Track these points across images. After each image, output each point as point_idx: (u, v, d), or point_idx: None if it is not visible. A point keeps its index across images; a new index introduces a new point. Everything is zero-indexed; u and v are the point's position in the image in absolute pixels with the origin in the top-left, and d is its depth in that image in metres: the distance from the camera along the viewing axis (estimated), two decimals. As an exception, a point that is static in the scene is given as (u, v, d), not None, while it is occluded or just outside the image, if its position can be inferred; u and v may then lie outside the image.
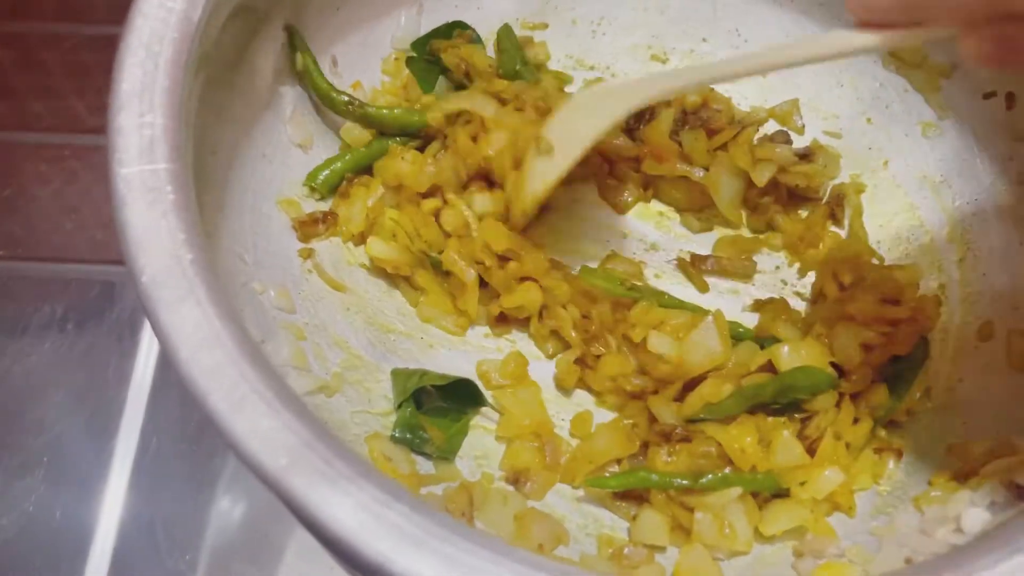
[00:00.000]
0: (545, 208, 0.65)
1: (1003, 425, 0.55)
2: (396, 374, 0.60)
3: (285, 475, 0.36)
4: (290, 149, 0.63)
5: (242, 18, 0.55)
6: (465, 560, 0.35)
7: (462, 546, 0.35)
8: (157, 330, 0.39)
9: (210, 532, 0.65)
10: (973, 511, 0.50)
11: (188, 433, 0.67)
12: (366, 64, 0.67)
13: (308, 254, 0.62)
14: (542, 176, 0.60)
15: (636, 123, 0.68)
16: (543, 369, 0.63)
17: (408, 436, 0.57)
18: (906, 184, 0.67)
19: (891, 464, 0.58)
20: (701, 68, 0.63)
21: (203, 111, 0.51)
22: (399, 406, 0.58)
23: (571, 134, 0.58)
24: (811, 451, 0.56)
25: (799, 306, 0.65)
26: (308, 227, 0.61)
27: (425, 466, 0.57)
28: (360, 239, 0.63)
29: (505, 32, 0.70)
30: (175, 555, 0.63)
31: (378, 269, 0.64)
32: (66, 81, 0.89)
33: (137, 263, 0.40)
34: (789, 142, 0.69)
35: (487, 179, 0.63)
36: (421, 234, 0.62)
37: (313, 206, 0.64)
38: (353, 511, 0.36)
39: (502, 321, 0.64)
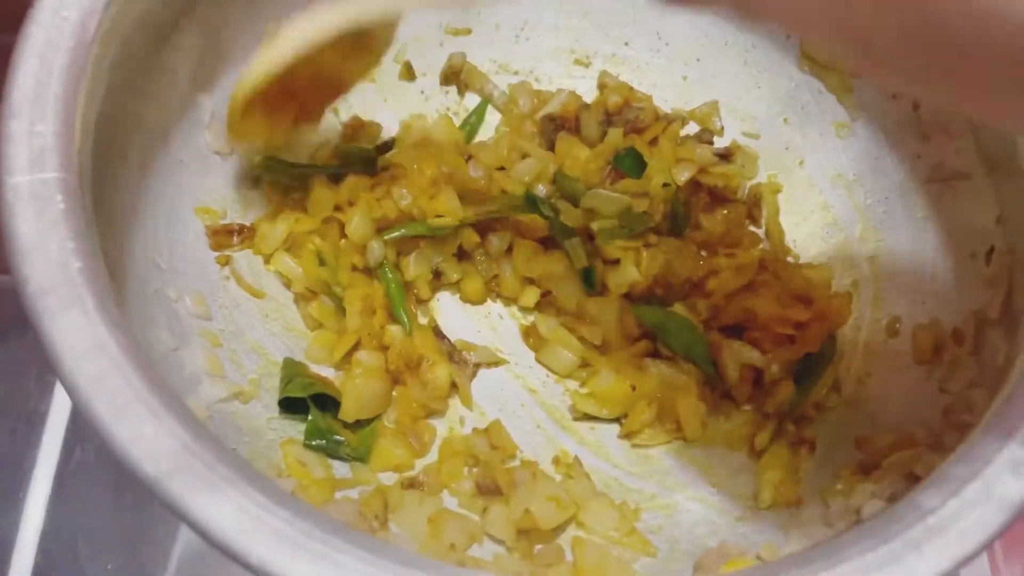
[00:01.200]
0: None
1: (908, 418, 0.56)
2: (288, 363, 0.60)
3: (167, 480, 0.37)
4: (208, 156, 0.63)
5: (149, 26, 0.55)
6: (344, 562, 0.35)
7: (342, 548, 0.36)
8: (42, 339, 0.39)
9: (140, 543, 0.65)
10: (873, 503, 0.51)
11: (111, 442, 0.67)
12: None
13: (226, 260, 0.62)
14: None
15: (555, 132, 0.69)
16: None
17: (322, 443, 0.57)
18: (820, 183, 0.68)
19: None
20: None
21: (110, 118, 0.51)
22: (282, 394, 0.58)
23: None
24: None
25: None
26: (221, 237, 0.61)
27: (341, 470, 0.57)
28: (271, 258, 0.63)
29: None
30: (96, 566, 0.63)
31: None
32: None
33: (22, 272, 0.40)
34: (711, 141, 0.70)
35: None
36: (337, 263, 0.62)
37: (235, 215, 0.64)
38: (233, 515, 0.36)
39: None
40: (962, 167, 0.60)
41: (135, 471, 0.37)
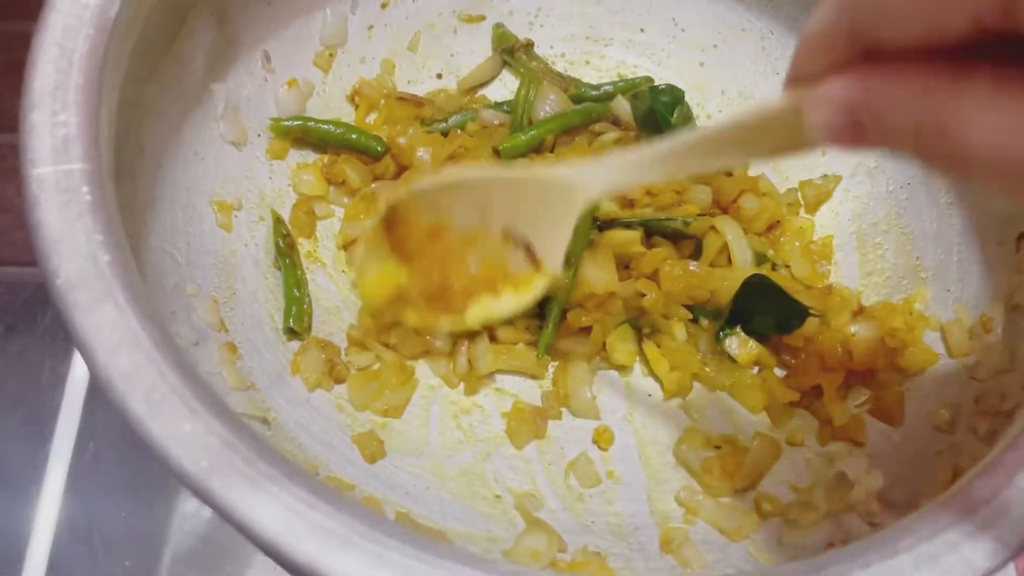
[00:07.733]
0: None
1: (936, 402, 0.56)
2: None
3: (207, 478, 0.36)
4: (223, 147, 0.62)
5: (167, 12, 0.54)
6: (391, 558, 0.35)
7: (388, 544, 0.35)
8: (73, 334, 0.38)
9: (156, 538, 0.64)
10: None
11: (126, 437, 0.65)
12: (300, 59, 0.66)
13: (242, 252, 0.61)
14: None
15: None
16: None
17: None
18: (842, 170, 0.67)
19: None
20: None
21: (127, 108, 0.50)
22: None
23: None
24: None
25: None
26: None
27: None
28: None
29: None
30: (112, 562, 0.62)
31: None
32: (1, 78, 0.87)
33: (51, 265, 0.39)
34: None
35: None
36: None
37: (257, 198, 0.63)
38: (277, 512, 0.35)
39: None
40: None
41: (174, 469, 0.36)
